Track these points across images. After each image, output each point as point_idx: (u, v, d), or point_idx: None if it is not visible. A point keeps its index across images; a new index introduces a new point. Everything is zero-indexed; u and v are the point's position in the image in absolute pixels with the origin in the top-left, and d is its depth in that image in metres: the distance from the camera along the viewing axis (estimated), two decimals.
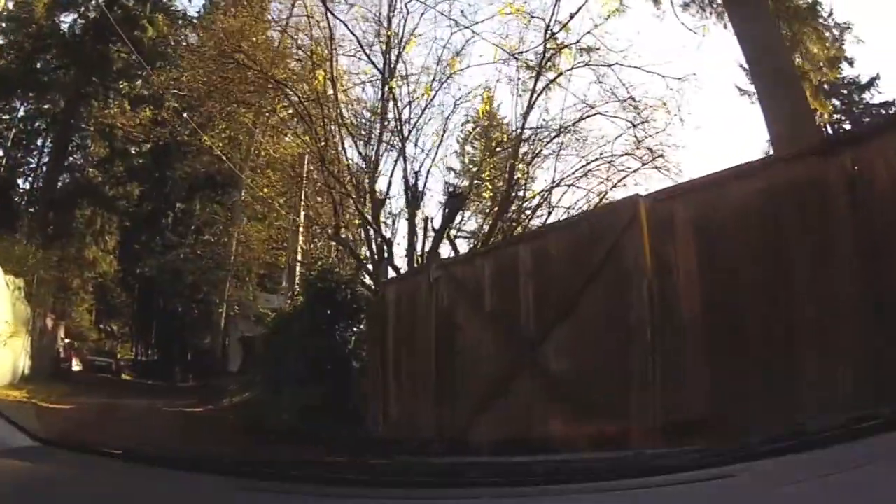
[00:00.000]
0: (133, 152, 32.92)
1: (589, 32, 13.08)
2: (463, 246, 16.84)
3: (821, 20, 22.80)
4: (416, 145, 13.61)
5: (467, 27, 13.58)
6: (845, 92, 26.67)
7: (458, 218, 14.79)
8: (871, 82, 26.47)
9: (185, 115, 17.86)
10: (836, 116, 27.38)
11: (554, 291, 5.99)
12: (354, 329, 11.82)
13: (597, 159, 13.52)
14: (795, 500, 1.39)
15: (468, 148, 19.54)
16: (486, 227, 14.35)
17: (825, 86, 22.31)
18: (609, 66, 13.02)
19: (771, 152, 9.22)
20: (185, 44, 25.05)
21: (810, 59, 20.84)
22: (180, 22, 33.50)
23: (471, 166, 18.16)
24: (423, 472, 1.95)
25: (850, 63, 24.83)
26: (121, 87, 31.75)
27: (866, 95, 26.79)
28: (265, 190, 19.73)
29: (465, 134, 18.25)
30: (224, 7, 18.82)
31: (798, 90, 10.21)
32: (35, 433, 2.04)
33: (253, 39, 15.17)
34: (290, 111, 16.23)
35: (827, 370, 4.05)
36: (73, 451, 2.06)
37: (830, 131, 26.74)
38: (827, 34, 21.88)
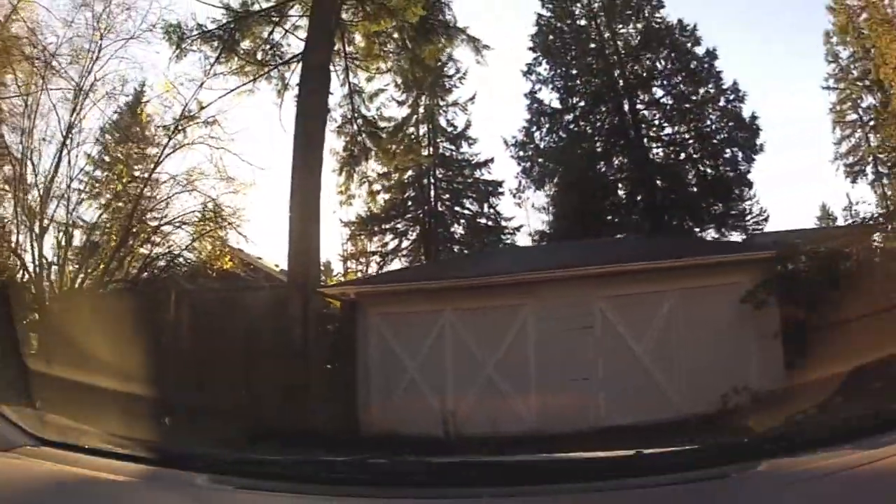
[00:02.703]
0: None
1: (214, 117, 16.70)
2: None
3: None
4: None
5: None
6: (456, 167, 29.81)
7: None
8: (486, 163, 29.21)
9: None
10: (447, 185, 29.55)
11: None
12: None
13: (193, 211, 17.36)
14: (792, 501, 1.40)
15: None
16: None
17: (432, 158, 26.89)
18: (218, 147, 16.66)
19: None
20: None
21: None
22: None
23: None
24: (423, 472, 1.93)
25: (470, 143, 29.14)
26: None
27: (478, 173, 29.51)
28: None
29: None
30: None
31: (315, 226, 14.30)
32: (35, 433, 2.04)
33: None
34: None
35: None
36: (73, 451, 2.03)
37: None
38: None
